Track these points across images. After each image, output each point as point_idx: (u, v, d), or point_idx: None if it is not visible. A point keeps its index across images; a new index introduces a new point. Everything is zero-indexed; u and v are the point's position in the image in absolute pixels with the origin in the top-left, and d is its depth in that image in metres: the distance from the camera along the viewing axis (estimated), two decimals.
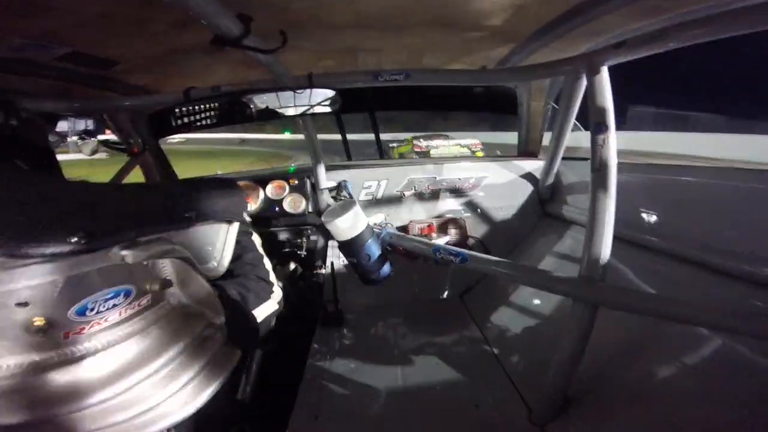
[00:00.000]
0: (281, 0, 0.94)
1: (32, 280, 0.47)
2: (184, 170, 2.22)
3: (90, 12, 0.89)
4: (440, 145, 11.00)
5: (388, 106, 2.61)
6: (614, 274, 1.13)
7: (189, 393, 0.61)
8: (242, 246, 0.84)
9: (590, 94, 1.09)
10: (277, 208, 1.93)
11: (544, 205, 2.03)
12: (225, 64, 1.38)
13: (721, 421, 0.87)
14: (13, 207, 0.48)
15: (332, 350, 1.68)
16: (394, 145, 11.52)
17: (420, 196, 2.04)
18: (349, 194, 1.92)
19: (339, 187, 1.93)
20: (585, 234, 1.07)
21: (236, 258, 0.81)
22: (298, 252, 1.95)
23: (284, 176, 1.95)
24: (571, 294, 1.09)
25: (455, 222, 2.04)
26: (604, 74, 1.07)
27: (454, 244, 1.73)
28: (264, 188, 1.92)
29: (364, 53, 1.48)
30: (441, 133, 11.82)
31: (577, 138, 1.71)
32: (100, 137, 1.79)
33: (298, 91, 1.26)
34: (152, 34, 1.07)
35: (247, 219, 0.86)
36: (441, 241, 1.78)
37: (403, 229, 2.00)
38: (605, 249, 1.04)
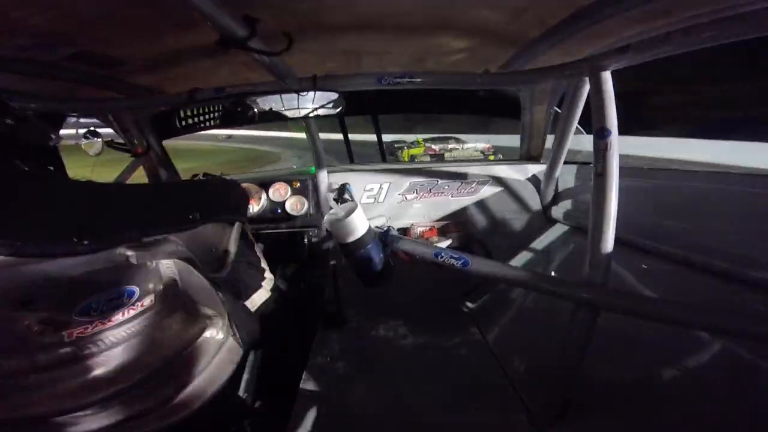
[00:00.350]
0: (287, 2, 0.94)
1: (36, 280, 0.47)
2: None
3: (96, 12, 0.90)
4: (454, 149, 11.11)
5: (390, 109, 2.61)
6: (615, 277, 1.13)
7: (190, 392, 0.61)
8: (242, 246, 0.85)
9: (593, 98, 1.09)
10: (279, 210, 1.93)
11: (546, 209, 2.02)
12: (229, 65, 1.38)
13: (721, 423, 0.87)
14: (17, 207, 0.48)
15: (333, 351, 1.67)
16: (401, 146, 11.58)
17: (422, 200, 2.04)
18: (351, 197, 1.92)
19: (341, 190, 1.93)
20: (587, 238, 1.07)
21: (236, 257, 0.82)
22: (300, 254, 1.96)
23: (287, 178, 1.96)
24: (573, 297, 1.08)
25: (457, 225, 2.03)
26: (607, 78, 1.07)
27: (456, 248, 1.73)
28: (266, 190, 1.93)
29: (368, 56, 1.49)
30: (452, 135, 11.89)
31: (581, 141, 1.71)
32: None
33: (301, 93, 1.27)
34: (158, 35, 1.08)
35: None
36: (443, 244, 1.78)
37: (405, 232, 2.00)
38: (607, 253, 1.04)
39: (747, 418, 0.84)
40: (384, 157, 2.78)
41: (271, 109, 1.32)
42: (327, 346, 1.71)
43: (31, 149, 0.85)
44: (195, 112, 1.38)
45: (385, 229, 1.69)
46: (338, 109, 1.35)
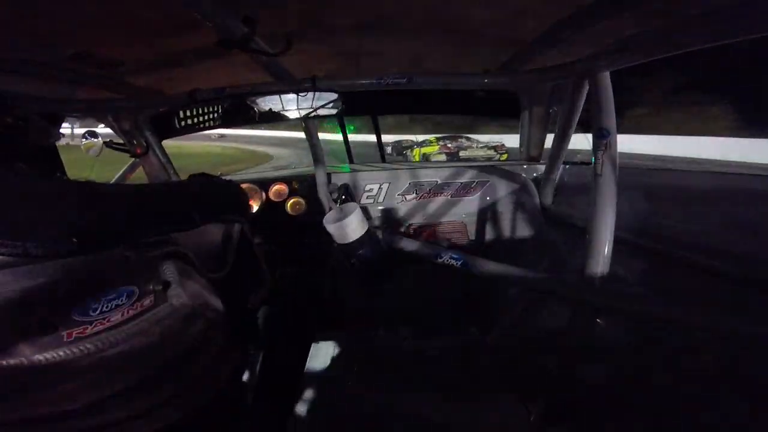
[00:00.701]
0: (286, 3, 0.94)
1: (35, 280, 0.47)
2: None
3: (96, 12, 0.90)
4: (469, 146, 11.31)
5: (390, 110, 2.61)
6: (615, 277, 1.13)
7: (190, 393, 0.61)
8: (242, 246, 0.85)
9: (592, 98, 1.09)
10: (278, 211, 1.93)
11: (546, 209, 2.02)
12: (229, 66, 1.39)
13: (721, 425, 0.87)
14: (15, 207, 0.48)
15: (333, 352, 1.67)
16: (409, 145, 11.67)
17: (421, 200, 2.04)
18: (351, 197, 1.92)
19: (340, 190, 1.93)
20: (586, 238, 1.07)
21: (236, 257, 0.82)
22: (300, 254, 1.95)
23: (287, 178, 1.96)
24: (572, 297, 1.09)
25: (456, 226, 2.03)
26: (606, 79, 1.07)
27: (455, 248, 1.73)
28: (266, 191, 1.93)
29: (367, 56, 1.49)
30: (462, 134, 12.03)
31: (580, 141, 1.71)
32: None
33: (301, 93, 1.27)
34: (158, 35, 1.08)
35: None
36: (442, 244, 1.78)
37: (404, 232, 2.00)
38: (606, 253, 1.04)
39: (747, 419, 0.84)
40: (384, 157, 2.79)
41: (270, 109, 1.32)
42: (326, 347, 1.71)
43: (31, 149, 0.85)
44: (195, 113, 1.39)
45: (384, 229, 1.70)
46: (337, 110, 1.35)
